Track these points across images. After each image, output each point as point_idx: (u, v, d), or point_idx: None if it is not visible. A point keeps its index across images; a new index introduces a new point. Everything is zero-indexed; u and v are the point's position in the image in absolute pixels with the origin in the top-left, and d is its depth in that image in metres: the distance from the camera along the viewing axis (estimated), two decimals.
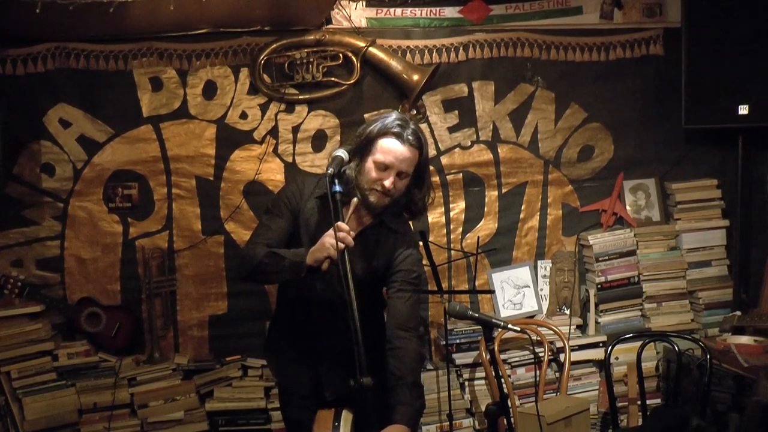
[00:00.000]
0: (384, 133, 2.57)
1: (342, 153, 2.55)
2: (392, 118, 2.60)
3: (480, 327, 2.82)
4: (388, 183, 2.56)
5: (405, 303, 2.66)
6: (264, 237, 2.64)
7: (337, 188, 2.40)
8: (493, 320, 2.59)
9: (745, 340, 3.56)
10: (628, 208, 4.05)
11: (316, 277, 2.55)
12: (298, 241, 2.66)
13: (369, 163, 2.58)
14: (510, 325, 2.60)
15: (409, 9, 3.84)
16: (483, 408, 3.47)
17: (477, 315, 2.59)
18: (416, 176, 2.65)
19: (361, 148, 2.59)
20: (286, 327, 2.81)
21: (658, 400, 3.84)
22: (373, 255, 2.69)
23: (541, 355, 3.77)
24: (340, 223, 2.39)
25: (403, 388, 2.52)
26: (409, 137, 2.56)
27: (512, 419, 2.77)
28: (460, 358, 3.79)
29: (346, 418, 2.57)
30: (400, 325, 2.62)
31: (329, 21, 3.78)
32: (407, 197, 2.67)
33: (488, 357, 3.19)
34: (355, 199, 2.56)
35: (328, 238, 2.43)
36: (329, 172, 2.43)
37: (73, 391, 3.55)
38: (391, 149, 2.55)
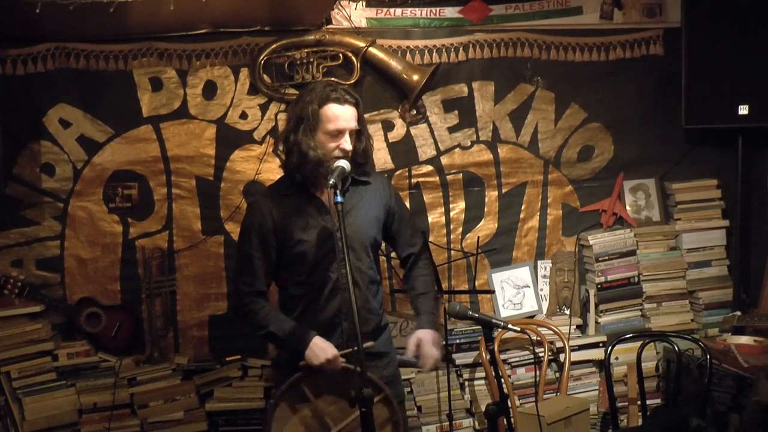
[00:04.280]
0: (323, 103, 2.67)
1: (344, 164, 2.62)
2: (321, 86, 2.73)
3: (480, 327, 2.82)
4: (348, 146, 2.69)
5: (409, 229, 2.96)
6: (251, 278, 2.76)
7: (339, 199, 2.48)
8: (493, 320, 2.60)
9: (745, 340, 3.56)
10: (628, 208, 4.05)
11: (332, 268, 2.71)
12: (285, 246, 2.75)
13: (320, 137, 2.68)
14: (510, 325, 2.61)
15: (409, 9, 3.84)
16: (483, 408, 3.47)
17: (477, 315, 2.60)
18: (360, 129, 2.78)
19: (311, 127, 2.68)
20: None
21: (658, 401, 3.85)
22: (369, 207, 2.82)
23: (541, 355, 3.77)
24: (331, 353, 2.61)
25: (428, 299, 2.89)
26: (346, 97, 2.69)
27: (512, 419, 2.78)
28: (460, 358, 3.79)
29: None
30: (418, 254, 2.95)
31: (329, 21, 3.78)
32: (354, 149, 2.77)
33: (488, 357, 3.19)
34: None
35: (319, 353, 2.62)
36: (331, 182, 2.50)
37: (73, 391, 3.55)
38: (337, 114, 2.67)
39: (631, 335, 3.67)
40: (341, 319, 2.74)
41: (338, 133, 2.67)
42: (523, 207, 4.03)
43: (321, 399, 2.67)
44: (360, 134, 2.77)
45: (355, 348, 2.57)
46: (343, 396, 2.61)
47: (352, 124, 2.69)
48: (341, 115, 2.67)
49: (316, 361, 2.62)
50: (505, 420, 2.61)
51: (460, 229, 3.99)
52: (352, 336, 2.69)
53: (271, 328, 2.72)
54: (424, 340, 2.77)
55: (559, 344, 3.80)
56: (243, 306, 2.78)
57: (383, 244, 3.08)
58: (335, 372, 2.64)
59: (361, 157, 2.78)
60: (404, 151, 3.91)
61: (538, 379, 3.72)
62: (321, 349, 2.63)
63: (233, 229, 3.79)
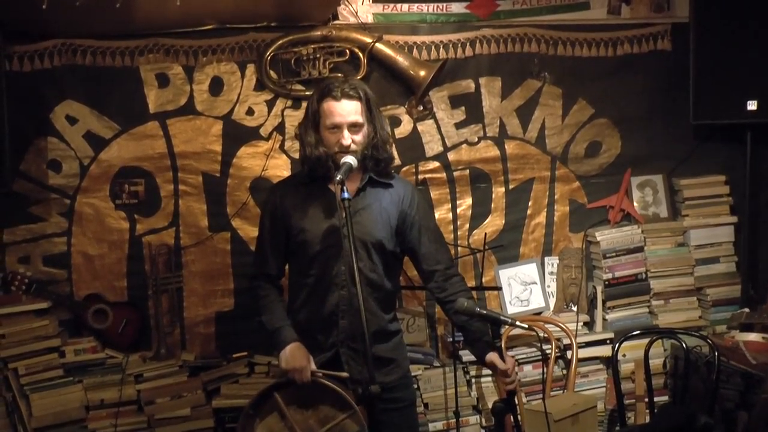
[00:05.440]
0: (321, 99, 2.71)
1: (350, 160, 2.63)
2: (327, 82, 2.77)
3: (487, 324, 2.81)
4: (344, 141, 2.67)
5: (433, 243, 2.82)
6: (262, 260, 2.85)
7: (346, 195, 2.48)
8: (501, 317, 2.58)
9: (753, 337, 3.55)
10: (635, 204, 4.04)
11: (333, 263, 2.69)
12: (290, 234, 2.79)
13: (323, 133, 2.71)
14: (517, 322, 2.60)
15: (416, 5, 3.83)
16: (490, 405, 3.47)
17: (485, 312, 2.59)
18: (370, 123, 2.75)
19: (314, 125, 2.73)
20: (304, 323, 2.81)
21: (666, 398, 3.84)
22: (382, 210, 2.77)
23: (548, 352, 3.76)
24: (299, 364, 2.63)
25: (476, 323, 2.71)
26: (345, 90, 2.69)
27: (519, 416, 2.77)
28: (467, 355, 3.77)
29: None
30: (445, 270, 2.81)
31: (336, 17, 3.77)
32: (371, 147, 2.74)
33: None
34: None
35: (289, 359, 2.66)
36: (338, 178, 2.51)
37: (80, 387, 3.55)
38: (332, 110, 2.68)
39: (638, 332, 3.66)
40: (339, 316, 2.74)
41: (335, 128, 2.68)
42: (530, 203, 4.02)
43: (292, 409, 2.68)
44: (373, 128, 2.74)
45: (343, 374, 2.66)
46: (315, 411, 2.65)
47: (351, 118, 2.68)
48: (336, 110, 2.68)
49: (284, 365, 2.67)
50: (512, 417, 2.60)
51: (467, 226, 3.98)
52: (350, 335, 2.70)
53: (263, 317, 2.80)
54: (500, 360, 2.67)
55: (566, 341, 3.79)
56: (251, 288, 2.89)
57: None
58: (311, 385, 2.65)
59: (379, 151, 2.75)
60: (411, 147, 3.90)
61: (545, 376, 3.72)
62: (293, 356, 2.66)
63: (240, 226, 3.80)
